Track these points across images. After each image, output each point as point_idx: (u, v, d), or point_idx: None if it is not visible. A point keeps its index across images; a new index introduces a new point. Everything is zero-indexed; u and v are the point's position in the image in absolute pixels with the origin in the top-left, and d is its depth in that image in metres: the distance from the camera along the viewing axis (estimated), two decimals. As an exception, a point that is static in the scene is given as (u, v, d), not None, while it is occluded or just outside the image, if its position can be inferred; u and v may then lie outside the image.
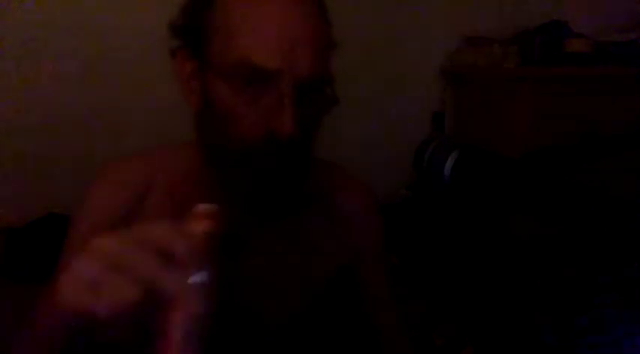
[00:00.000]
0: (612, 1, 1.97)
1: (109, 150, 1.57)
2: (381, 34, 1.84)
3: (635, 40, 1.69)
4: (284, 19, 0.54)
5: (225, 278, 0.42)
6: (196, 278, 0.40)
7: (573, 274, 1.57)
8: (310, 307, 0.71)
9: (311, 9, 0.57)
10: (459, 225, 1.70)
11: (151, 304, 0.38)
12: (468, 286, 1.60)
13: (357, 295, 0.75)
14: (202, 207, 0.44)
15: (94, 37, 1.58)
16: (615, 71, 1.65)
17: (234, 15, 0.55)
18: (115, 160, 0.70)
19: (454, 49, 1.88)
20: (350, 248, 0.72)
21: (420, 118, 1.93)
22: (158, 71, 1.59)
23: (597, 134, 1.61)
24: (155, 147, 0.71)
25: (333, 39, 0.60)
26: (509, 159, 1.61)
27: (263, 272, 0.67)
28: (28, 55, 1.55)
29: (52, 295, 0.65)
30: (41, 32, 1.54)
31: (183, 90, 0.61)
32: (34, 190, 1.59)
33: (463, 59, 1.83)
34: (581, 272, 1.57)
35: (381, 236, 0.76)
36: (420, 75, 1.91)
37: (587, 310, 1.48)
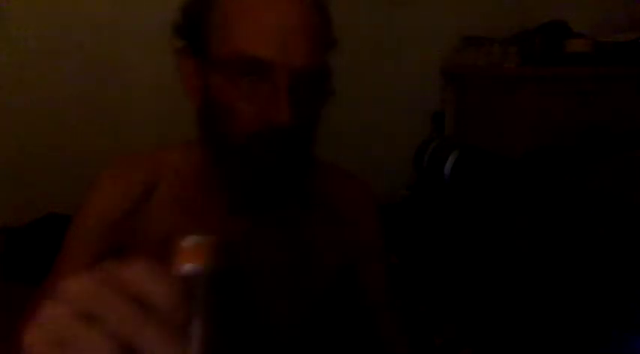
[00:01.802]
0: (612, 1, 1.97)
1: (109, 150, 1.57)
2: (381, 34, 1.84)
3: (635, 40, 1.69)
4: (278, 10, 0.55)
5: (222, 324, 0.36)
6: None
7: (574, 275, 1.57)
8: (311, 307, 0.71)
9: (306, 2, 0.57)
10: (459, 225, 1.70)
11: None
12: (467, 287, 1.60)
13: (356, 295, 0.75)
14: (189, 241, 0.35)
15: (95, 37, 1.58)
16: (615, 71, 1.65)
17: (230, 9, 0.56)
18: (119, 158, 0.70)
19: (454, 49, 1.88)
20: (349, 248, 0.72)
21: (420, 118, 1.93)
22: (159, 71, 1.60)
23: (598, 134, 1.61)
24: (161, 146, 0.71)
25: (332, 35, 0.60)
26: (509, 159, 1.61)
27: (264, 273, 0.67)
28: (28, 54, 1.55)
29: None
30: (41, 32, 1.54)
31: (185, 89, 0.62)
32: (34, 190, 1.59)
33: (463, 59, 1.83)
34: (583, 273, 1.57)
35: (381, 236, 0.76)
36: (420, 75, 1.91)
37: (589, 310, 1.48)
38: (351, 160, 0.82)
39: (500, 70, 1.65)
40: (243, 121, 0.56)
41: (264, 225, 0.67)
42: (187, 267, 0.34)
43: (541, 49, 1.64)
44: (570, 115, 1.59)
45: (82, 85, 1.60)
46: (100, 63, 1.60)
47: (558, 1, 1.90)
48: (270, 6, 0.55)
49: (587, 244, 1.58)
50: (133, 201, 0.65)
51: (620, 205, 1.60)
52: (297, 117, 0.54)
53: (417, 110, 1.92)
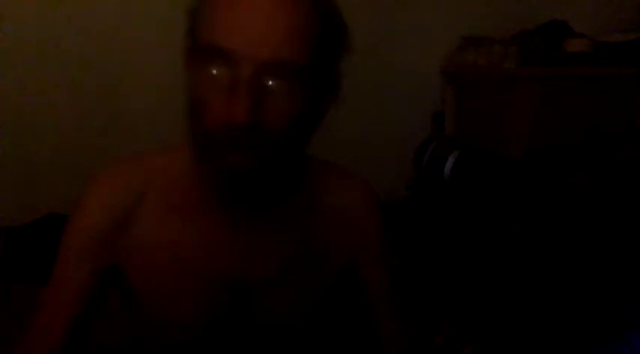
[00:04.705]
0: (612, 1, 1.97)
1: (109, 150, 1.57)
2: (381, 34, 1.84)
3: (635, 40, 1.69)
4: (258, 5, 0.52)
5: None
6: None
7: (575, 274, 1.57)
8: (312, 308, 0.71)
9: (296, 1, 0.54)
10: (459, 225, 1.70)
11: None
12: (468, 286, 1.60)
13: (358, 296, 0.75)
14: None
15: (95, 37, 1.58)
16: (615, 71, 1.65)
17: (212, 3, 0.54)
18: (106, 166, 0.68)
19: (454, 49, 1.88)
20: (350, 248, 0.72)
21: (420, 118, 1.93)
22: (160, 73, 1.60)
23: (597, 134, 1.61)
24: (151, 150, 0.70)
25: (335, 34, 0.58)
26: (509, 159, 1.61)
27: (263, 274, 0.66)
28: (28, 55, 1.55)
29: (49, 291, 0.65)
30: (42, 33, 1.54)
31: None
32: (34, 190, 1.58)
33: (463, 59, 1.83)
34: (583, 272, 1.57)
35: (382, 235, 0.75)
36: (420, 75, 1.91)
37: (590, 309, 1.48)
38: (351, 160, 0.82)
39: (500, 70, 1.65)
40: (207, 117, 0.54)
41: (262, 228, 0.67)
42: None
43: (541, 49, 1.64)
44: (570, 115, 1.59)
45: (82, 86, 1.60)
46: (100, 64, 1.60)
47: (558, 1, 1.90)
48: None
49: (587, 242, 1.58)
50: (122, 210, 0.64)
51: (620, 205, 1.60)
52: (260, 115, 0.51)
53: (417, 110, 1.92)
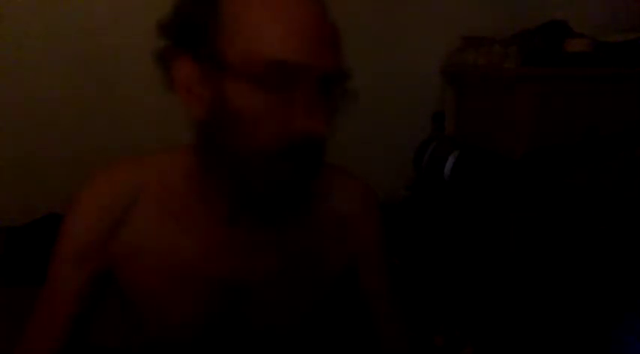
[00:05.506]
0: (612, 1, 1.97)
1: (109, 150, 1.57)
2: (381, 34, 1.84)
3: (635, 40, 1.69)
4: (300, 13, 0.52)
5: None
6: None
7: (575, 274, 1.57)
8: (312, 309, 0.71)
9: (323, 7, 0.55)
10: (459, 225, 1.70)
11: None
12: (468, 286, 1.60)
13: (358, 296, 0.75)
14: None
15: (94, 37, 1.58)
16: (615, 71, 1.65)
17: (244, 13, 0.52)
18: (106, 166, 0.68)
19: (454, 49, 1.88)
20: (350, 250, 0.72)
21: (420, 118, 1.93)
22: (161, 71, 1.59)
23: (597, 134, 1.61)
24: (151, 150, 0.70)
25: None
26: (509, 159, 1.61)
27: (263, 275, 0.66)
28: (28, 54, 1.55)
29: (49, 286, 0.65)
30: (41, 32, 1.54)
31: (182, 97, 0.57)
32: (34, 190, 1.58)
33: (463, 59, 1.83)
34: (583, 272, 1.57)
35: (382, 237, 0.76)
36: (420, 75, 1.91)
37: (590, 309, 1.48)
38: (351, 160, 0.82)
39: (500, 70, 1.65)
40: (269, 134, 0.52)
41: (262, 228, 0.67)
42: None
43: (541, 49, 1.64)
44: (570, 115, 1.59)
45: (82, 86, 1.60)
46: (100, 63, 1.60)
47: (558, 1, 1.90)
48: (291, 9, 0.52)
49: (587, 243, 1.58)
50: (122, 211, 0.64)
51: (620, 205, 1.60)
52: (328, 126, 0.52)
53: (417, 110, 1.92)
